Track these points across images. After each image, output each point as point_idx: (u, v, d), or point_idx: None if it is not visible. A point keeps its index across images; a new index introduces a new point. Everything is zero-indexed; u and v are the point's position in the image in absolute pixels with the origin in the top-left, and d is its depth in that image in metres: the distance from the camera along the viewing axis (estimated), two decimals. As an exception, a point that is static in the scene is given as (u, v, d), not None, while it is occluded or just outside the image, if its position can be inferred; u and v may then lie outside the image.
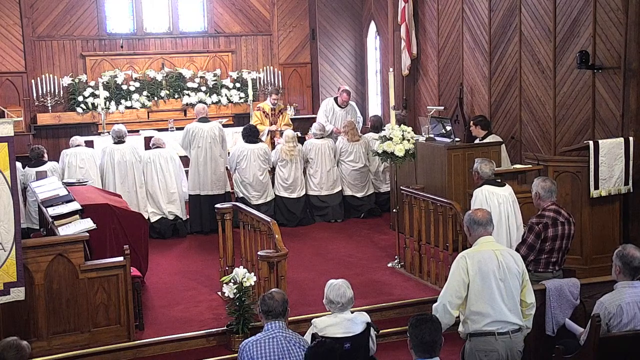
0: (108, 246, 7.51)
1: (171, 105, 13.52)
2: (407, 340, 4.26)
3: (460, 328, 5.04)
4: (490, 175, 6.92)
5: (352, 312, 5.13)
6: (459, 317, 5.02)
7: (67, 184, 8.82)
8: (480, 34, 10.48)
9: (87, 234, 6.77)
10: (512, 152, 9.82)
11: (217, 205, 8.18)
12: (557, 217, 6.04)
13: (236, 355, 4.97)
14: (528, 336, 5.14)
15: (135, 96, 13.17)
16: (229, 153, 10.91)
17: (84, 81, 13.05)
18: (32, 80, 12.80)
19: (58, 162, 10.49)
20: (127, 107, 13.14)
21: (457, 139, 9.38)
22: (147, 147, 10.90)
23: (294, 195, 10.87)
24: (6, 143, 6.02)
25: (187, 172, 10.64)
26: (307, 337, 5.01)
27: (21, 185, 9.39)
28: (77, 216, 7.11)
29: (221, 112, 13.45)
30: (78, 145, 10.68)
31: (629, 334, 4.96)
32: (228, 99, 13.76)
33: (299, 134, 11.66)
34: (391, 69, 9.83)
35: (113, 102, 13.02)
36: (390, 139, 8.44)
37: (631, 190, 7.90)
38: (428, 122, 9.79)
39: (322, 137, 11.17)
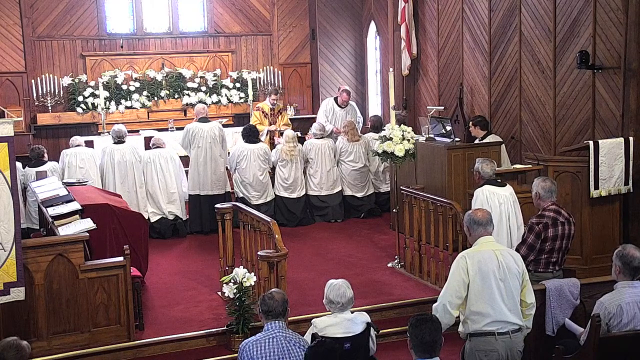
0: (108, 246, 7.51)
1: (171, 105, 13.52)
2: (407, 340, 4.26)
3: (460, 328, 5.04)
4: (491, 175, 6.92)
5: (352, 312, 5.13)
6: (459, 317, 5.02)
7: (67, 184, 8.82)
8: (480, 34, 10.48)
9: (87, 234, 6.77)
10: (512, 152, 9.82)
11: (217, 205, 8.18)
12: (557, 217, 6.04)
13: (236, 355, 4.97)
14: (528, 336, 5.14)
15: (135, 96, 13.17)
16: (229, 153, 10.91)
17: (84, 81, 13.05)
18: (32, 80, 12.80)
19: (58, 162, 10.49)
20: (127, 107, 13.14)
21: (457, 139, 9.38)
22: (147, 147, 10.90)
23: (294, 195, 10.87)
24: (6, 143, 6.02)
25: (187, 172, 10.65)
26: (307, 337, 5.01)
27: (21, 185, 9.40)
28: (77, 216, 7.11)
29: (221, 112, 13.45)
30: (78, 145, 10.68)
31: (629, 334, 4.96)
32: (228, 99, 13.76)
33: (299, 134, 11.66)
34: (391, 69, 9.83)
35: (113, 102, 13.02)
36: (390, 139, 8.45)
37: (631, 190, 7.90)
38: (428, 122, 9.79)
39: (322, 137, 11.17)
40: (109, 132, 11.12)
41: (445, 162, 8.93)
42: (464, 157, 8.94)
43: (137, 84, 13.28)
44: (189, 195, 10.55)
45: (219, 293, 7.74)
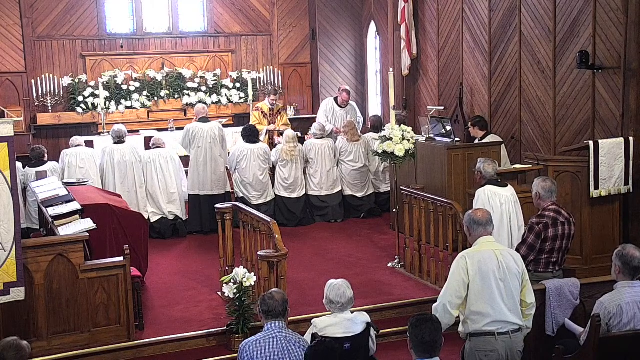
0: (108, 246, 7.51)
1: (171, 105, 13.52)
2: (407, 340, 4.26)
3: (460, 328, 5.04)
4: (493, 175, 6.92)
5: (352, 312, 5.13)
6: (459, 317, 5.02)
7: (67, 184, 8.82)
8: (480, 34, 10.48)
9: (87, 234, 6.77)
10: (512, 152, 9.82)
11: (217, 205, 8.18)
12: (557, 217, 6.04)
13: (236, 355, 4.97)
14: (528, 336, 5.14)
15: (135, 96, 13.17)
16: (229, 153, 10.91)
17: (84, 81, 13.06)
18: (32, 80, 12.80)
19: (58, 162, 10.50)
20: (127, 107, 13.14)
21: (457, 139, 9.38)
22: (147, 147, 10.90)
23: (294, 195, 10.87)
24: (6, 143, 6.03)
25: (187, 172, 10.65)
26: (307, 337, 5.01)
27: (21, 185, 9.40)
28: (77, 216, 7.11)
29: (221, 112, 13.45)
30: (78, 145, 10.69)
31: (629, 334, 4.96)
32: (228, 99, 13.76)
33: (299, 134, 11.66)
34: (391, 69, 9.83)
35: (113, 102, 13.02)
36: (390, 139, 8.45)
37: (631, 190, 7.90)
38: (428, 122, 9.79)
39: (322, 137, 11.17)
40: (109, 132, 11.12)
41: (445, 162, 8.93)
42: (464, 157, 8.94)
43: (137, 84, 13.28)
44: (189, 195, 10.56)
45: (219, 293, 7.74)
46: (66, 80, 12.97)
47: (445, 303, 4.89)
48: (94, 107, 12.85)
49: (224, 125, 11.34)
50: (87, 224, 6.92)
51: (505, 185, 6.98)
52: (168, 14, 13.92)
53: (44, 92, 12.84)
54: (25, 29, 12.86)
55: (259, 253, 6.88)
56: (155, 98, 13.37)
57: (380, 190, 11.36)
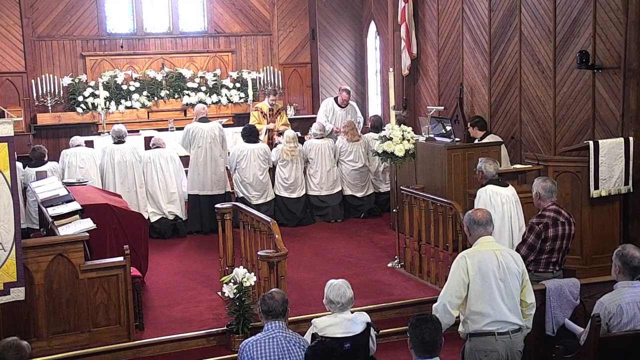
0: (108, 246, 7.51)
1: (171, 105, 13.52)
2: (407, 340, 4.26)
3: (460, 328, 5.04)
4: (494, 174, 6.92)
5: (352, 312, 5.13)
6: (459, 317, 5.02)
7: (67, 184, 8.82)
8: (480, 34, 10.48)
9: (87, 234, 6.77)
10: (512, 152, 9.82)
11: (217, 205, 8.18)
12: (557, 217, 6.04)
13: (236, 355, 4.97)
14: (528, 336, 5.14)
15: (135, 96, 13.17)
16: (228, 153, 10.91)
17: (84, 81, 13.06)
18: (32, 80, 12.80)
19: (58, 162, 10.50)
20: (127, 107, 13.14)
21: (457, 139, 9.38)
22: (147, 147, 10.90)
23: (294, 195, 10.87)
24: (6, 143, 6.03)
25: (187, 172, 10.65)
26: (307, 337, 5.01)
27: (21, 185, 9.40)
28: (77, 216, 7.11)
29: (221, 112, 13.45)
30: (78, 145, 10.69)
31: (629, 334, 4.96)
32: (228, 99, 13.76)
33: (299, 134, 11.66)
34: (391, 69, 9.83)
35: (113, 102, 13.02)
36: (390, 139, 8.45)
37: (631, 190, 7.89)
38: (428, 122, 9.79)
39: (322, 137, 11.17)
40: (109, 132, 11.12)
41: (445, 162, 8.93)
42: (464, 157, 8.94)
43: (137, 84, 13.28)
44: (188, 195, 10.56)
45: (219, 293, 7.74)
46: (66, 80, 12.97)
47: (445, 303, 4.89)
48: (94, 107, 12.85)
49: (224, 125, 11.35)
50: (87, 224, 6.92)
51: (506, 185, 6.98)
52: (168, 14, 13.92)
53: (44, 92, 12.84)
54: (25, 29, 12.86)
55: (259, 253, 6.88)
56: (155, 98, 13.38)
57: (380, 190, 11.36)
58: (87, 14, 13.31)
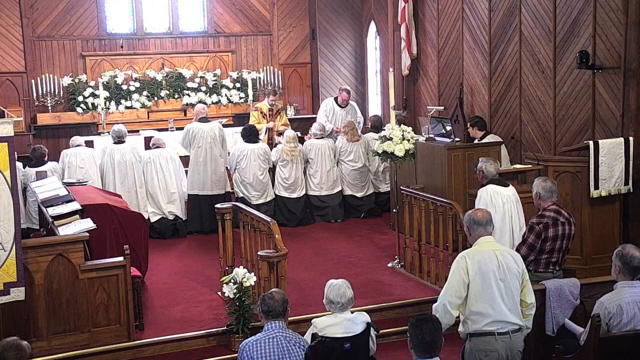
0: (108, 246, 7.51)
1: (171, 105, 13.52)
2: (407, 340, 4.26)
3: (460, 328, 5.04)
4: (495, 174, 6.92)
5: (352, 312, 5.13)
6: (459, 317, 5.02)
7: (67, 184, 8.82)
8: (480, 34, 10.48)
9: (87, 234, 6.77)
10: (512, 152, 9.82)
11: (217, 205, 8.18)
12: (557, 217, 6.04)
13: (236, 355, 4.97)
14: (528, 336, 5.14)
15: (135, 96, 13.17)
16: (229, 153, 10.91)
17: (84, 81, 13.05)
18: (32, 80, 12.80)
19: (58, 162, 10.50)
20: (127, 107, 13.14)
21: (457, 139, 9.38)
22: (147, 147, 10.90)
23: (294, 195, 10.87)
24: (6, 143, 6.03)
25: (187, 172, 10.65)
26: (307, 337, 5.01)
27: (21, 185, 9.40)
28: (77, 216, 7.11)
29: (221, 112, 13.45)
30: (78, 145, 10.69)
31: (629, 334, 4.96)
32: (228, 99, 13.76)
33: (299, 134, 11.66)
34: (391, 69, 9.83)
35: (113, 102, 13.02)
36: (390, 139, 8.45)
37: (631, 190, 7.89)
38: (428, 122, 9.79)
39: (322, 137, 11.17)
40: (109, 132, 11.12)
41: (445, 162, 8.93)
42: (464, 157, 8.94)
43: (137, 84, 13.28)
44: (188, 195, 10.56)
45: (219, 293, 7.74)
46: (66, 80, 12.97)
47: (445, 303, 4.89)
48: (94, 107, 12.85)
49: (224, 125, 11.35)
50: (87, 224, 6.92)
51: (507, 185, 6.98)
52: (168, 14, 13.91)
53: (44, 92, 12.84)
54: (25, 29, 12.86)
55: (259, 253, 6.88)
56: (155, 98, 13.37)
57: (380, 190, 11.36)
58: (87, 14, 13.31)
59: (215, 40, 14.14)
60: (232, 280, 6.79)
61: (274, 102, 12.02)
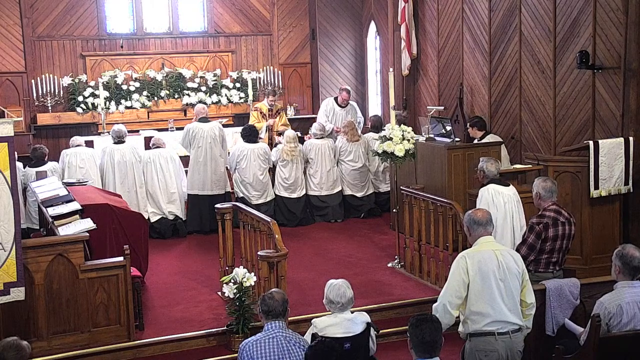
0: (108, 246, 7.51)
1: (171, 105, 13.52)
2: (407, 340, 4.26)
3: (460, 328, 5.04)
4: (495, 174, 6.92)
5: (352, 312, 5.13)
6: (459, 317, 5.02)
7: (67, 184, 8.82)
8: (480, 34, 10.48)
9: (87, 234, 6.77)
10: (512, 152, 9.82)
11: (217, 205, 8.18)
12: (557, 217, 6.04)
13: (236, 355, 4.97)
14: (528, 336, 5.14)
15: (135, 96, 13.17)
16: (228, 153, 10.91)
17: (84, 81, 13.05)
18: (32, 80, 12.79)
19: (58, 162, 10.50)
20: (127, 107, 13.14)
21: (457, 139, 9.38)
22: (147, 147, 10.90)
23: (294, 195, 10.88)
24: (6, 143, 6.03)
25: (187, 172, 10.65)
26: (307, 337, 5.01)
27: (21, 185, 9.40)
28: (77, 216, 7.11)
29: (221, 112, 13.45)
30: (78, 145, 10.69)
31: (629, 334, 4.96)
32: (228, 99, 13.75)
33: (299, 134, 11.66)
34: (391, 69, 9.83)
35: (113, 102, 13.01)
36: (390, 139, 8.45)
37: (631, 190, 7.90)
38: (428, 122, 9.79)
39: (322, 137, 11.17)
40: (109, 132, 11.12)
41: (445, 162, 8.93)
42: (464, 157, 8.94)
43: (137, 84, 13.28)
44: (188, 195, 10.56)
45: (219, 293, 7.74)
46: (66, 80, 12.97)
47: (445, 303, 4.89)
48: (94, 107, 12.84)
49: (224, 125, 11.35)
50: (87, 224, 6.93)
51: (508, 185, 6.98)
52: (168, 14, 13.91)
53: (44, 92, 12.83)
54: (25, 29, 12.86)
55: (259, 253, 6.88)
56: (155, 98, 13.37)
57: (380, 190, 11.37)
58: (87, 14, 13.30)
59: (215, 40, 14.14)
60: (232, 280, 6.79)
61: (273, 102, 12.02)
